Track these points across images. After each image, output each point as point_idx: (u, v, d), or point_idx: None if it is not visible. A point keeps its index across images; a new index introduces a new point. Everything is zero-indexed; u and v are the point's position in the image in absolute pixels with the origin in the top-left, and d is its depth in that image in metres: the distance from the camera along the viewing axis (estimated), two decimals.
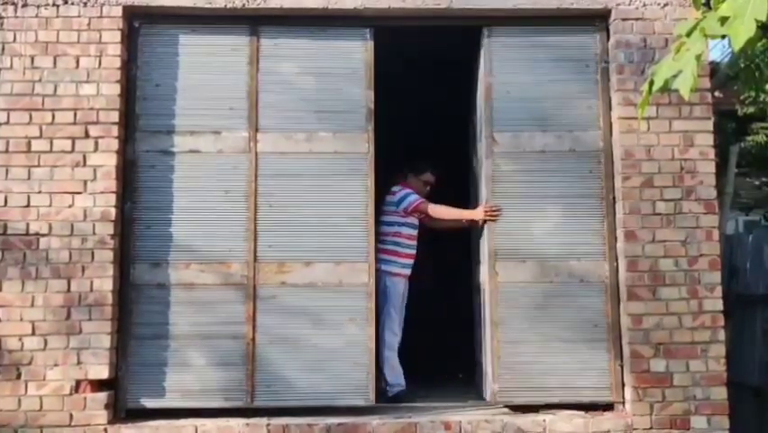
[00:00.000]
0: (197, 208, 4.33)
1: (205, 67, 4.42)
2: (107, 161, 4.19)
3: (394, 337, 4.79)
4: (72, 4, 4.29)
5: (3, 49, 4.24)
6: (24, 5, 4.27)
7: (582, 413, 4.17)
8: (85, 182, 4.16)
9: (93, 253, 4.12)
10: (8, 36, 4.25)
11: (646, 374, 4.13)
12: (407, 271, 4.92)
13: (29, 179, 4.15)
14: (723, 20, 2.18)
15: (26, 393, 4.01)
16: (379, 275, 4.61)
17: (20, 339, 4.04)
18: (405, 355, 4.85)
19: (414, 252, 4.95)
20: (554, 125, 4.44)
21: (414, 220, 4.94)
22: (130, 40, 4.39)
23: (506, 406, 4.28)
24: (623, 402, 4.23)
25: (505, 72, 4.48)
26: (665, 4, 4.38)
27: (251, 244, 4.30)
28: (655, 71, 2.50)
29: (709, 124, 4.32)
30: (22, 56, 4.23)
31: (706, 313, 4.17)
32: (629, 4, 4.39)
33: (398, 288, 4.85)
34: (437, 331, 6.82)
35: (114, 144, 4.21)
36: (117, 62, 4.26)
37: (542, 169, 4.41)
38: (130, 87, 4.37)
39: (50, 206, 4.14)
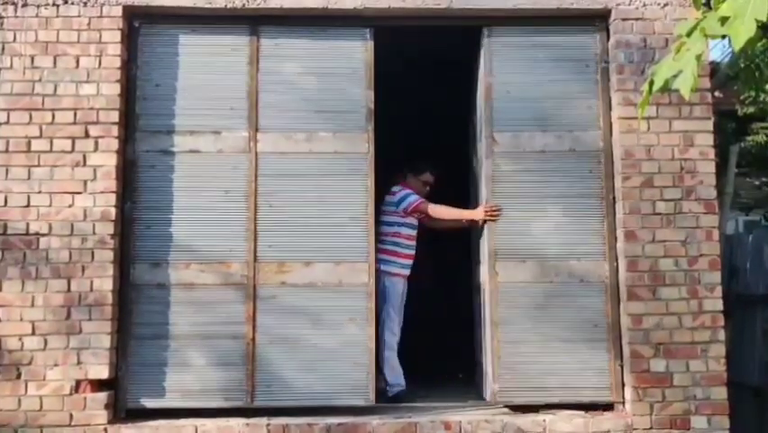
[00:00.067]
0: (197, 208, 4.33)
1: (205, 67, 4.42)
2: (107, 160, 4.19)
3: (393, 337, 4.79)
4: (72, 3, 4.29)
5: (3, 48, 4.24)
6: (24, 5, 4.27)
7: (582, 413, 4.17)
8: (85, 182, 4.16)
9: (93, 253, 4.12)
10: (8, 36, 4.25)
11: (646, 374, 4.13)
12: (407, 272, 4.92)
13: (29, 178, 4.15)
14: (723, 20, 2.18)
15: (26, 393, 4.01)
16: (379, 275, 4.61)
17: (20, 339, 4.04)
18: (405, 355, 4.85)
19: (413, 252, 4.95)
20: (554, 125, 4.44)
21: (413, 220, 4.94)
22: (130, 40, 4.39)
23: (506, 406, 4.28)
24: (623, 402, 4.23)
25: (505, 72, 4.48)
26: (665, 4, 4.38)
27: (251, 243, 4.30)
28: (655, 71, 2.50)
29: (709, 124, 4.32)
30: (22, 56, 4.23)
31: (706, 313, 4.17)
32: (629, 4, 4.39)
33: (398, 288, 4.85)
34: (437, 331, 6.82)
35: (114, 144, 4.21)
36: (117, 62, 4.26)
37: (542, 169, 4.41)
38: (130, 87, 4.37)
39: (50, 206, 4.14)
